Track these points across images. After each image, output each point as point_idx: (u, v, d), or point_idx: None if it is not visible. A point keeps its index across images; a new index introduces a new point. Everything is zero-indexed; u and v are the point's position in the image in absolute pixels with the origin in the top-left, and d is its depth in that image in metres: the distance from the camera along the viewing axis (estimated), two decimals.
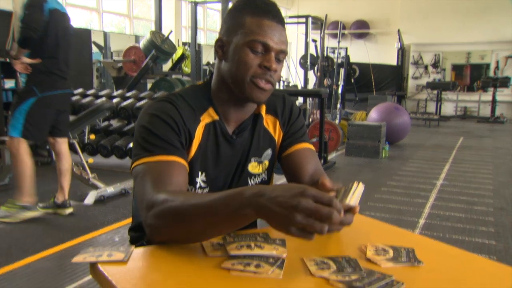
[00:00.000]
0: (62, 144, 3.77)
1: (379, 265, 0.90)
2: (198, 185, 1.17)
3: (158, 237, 0.97)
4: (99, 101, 5.36)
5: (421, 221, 3.82)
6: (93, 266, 0.88)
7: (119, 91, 6.02)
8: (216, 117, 1.20)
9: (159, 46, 6.62)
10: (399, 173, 5.86)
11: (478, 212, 4.14)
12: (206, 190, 1.19)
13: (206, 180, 1.18)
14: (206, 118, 1.19)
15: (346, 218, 0.95)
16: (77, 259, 0.89)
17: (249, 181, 1.25)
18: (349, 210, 0.94)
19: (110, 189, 4.37)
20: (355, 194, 0.93)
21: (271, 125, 1.29)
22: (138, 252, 0.94)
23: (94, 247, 0.95)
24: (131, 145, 5.35)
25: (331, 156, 7.02)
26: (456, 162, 6.64)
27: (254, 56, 1.12)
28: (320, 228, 0.79)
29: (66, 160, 3.74)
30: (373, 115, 8.10)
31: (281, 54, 1.14)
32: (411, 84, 14.45)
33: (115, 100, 5.59)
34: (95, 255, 0.90)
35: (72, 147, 4.36)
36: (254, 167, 1.25)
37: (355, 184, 0.95)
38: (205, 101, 1.19)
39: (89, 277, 2.68)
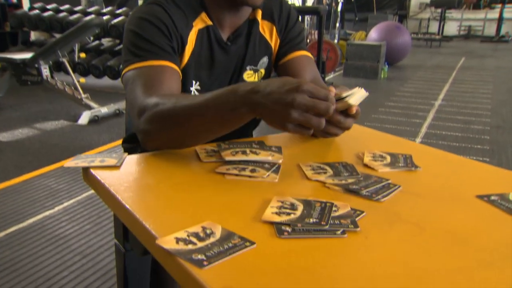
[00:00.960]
0: None
1: (376, 170, 0.90)
2: (192, 94, 1.14)
3: (152, 143, 0.95)
4: (87, 18, 5.17)
5: (418, 140, 3.85)
6: (85, 171, 0.88)
7: (109, 8, 5.78)
8: (210, 23, 1.14)
9: None
10: (398, 94, 5.83)
11: (475, 130, 4.17)
12: None
13: (201, 89, 1.15)
14: (199, 23, 1.13)
15: (346, 121, 0.94)
16: (69, 164, 0.88)
17: None
18: (349, 113, 0.92)
19: (104, 110, 4.35)
20: (356, 95, 0.91)
21: (268, 31, 1.23)
22: (131, 158, 0.93)
23: (86, 154, 0.94)
24: None
25: (329, 77, 6.94)
26: (455, 83, 6.60)
27: None
28: (317, 122, 0.78)
29: None
30: (373, 35, 7.90)
31: None
32: (413, 2, 13.96)
33: (105, 18, 5.38)
34: (87, 161, 0.89)
35: (62, 67, 4.27)
36: (249, 75, 1.22)
37: (357, 88, 0.93)
38: (197, 5, 1.13)
39: (86, 193, 2.74)
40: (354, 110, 0.92)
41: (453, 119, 4.56)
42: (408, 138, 3.88)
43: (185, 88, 1.12)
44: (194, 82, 1.14)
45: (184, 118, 0.88)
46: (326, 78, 6.53)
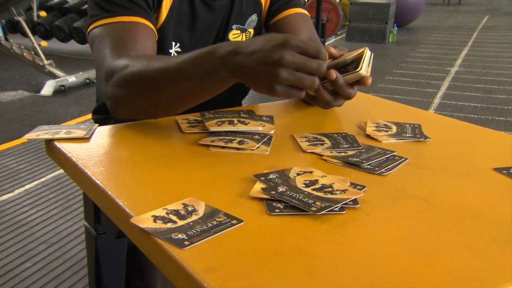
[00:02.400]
0: None
1: (380, 141, 0.91)
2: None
3: (121, 110, 0.95)
4: None
5: (432, 112, 3.88)
6: (49, 145, 0.88)
7: None
8: None
9: None
10: (408, 60, 5.83)
11: (497, 100, 4.20)
12: None
13: (181, 52, 1.14)
14: None
15: (352, 93, 0.92)
16: (30, 136, 0.88)
17: None
18: (363, 84, 0.91)
19: (71, 79, 4.32)
20: (365, 62, 0.90)
21: None
22: (102, 129, 0.94)
23: (50, 126, 0.94)
24: None
25: (329, 42, 6.91)
26: (476, 46, 6.60)
27: None
28: (310, 82, 0.77)
29: None
30: None
31: None
32: None
33: None
34: (51, 133, 0.89)
35: (19, 27, 4.19)
36: (236, 35, 1.21)
37: (363, 49, 0.92)
38: None
39: (52, 174, 2.74)
40: (369, 82, 0.91)
41: (472, 88, 4.59)
42: None
43: (163, 51, 1.11)
44: (173, 43, 1.13)
45: (156, 83, 0.87)
46: (326, 43, 6.51)
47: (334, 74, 0.86)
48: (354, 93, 0.92)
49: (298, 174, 0.74)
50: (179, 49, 1.14)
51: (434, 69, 5.33)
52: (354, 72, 0.88)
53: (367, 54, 0.91)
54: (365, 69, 0.88)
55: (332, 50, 0.94)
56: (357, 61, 0.90)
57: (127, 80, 0.90)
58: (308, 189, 0.68)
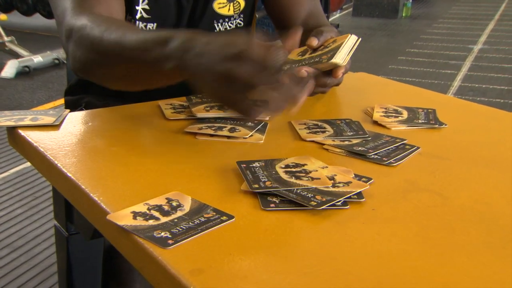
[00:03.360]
0: None
1: (389, 128, 0.92)
2: (138, 15, 1.13)
3: (82, 71, 0.97)
4: None
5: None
6: (12, 133, 0.89)
7: None
8: None
9: None
10: (423, 37, 5.85)
11: None
12: (152, 26, 1.14)
13: (150, 9, 1.13)
14: None
15: (332, 81, 0.97)
16: None
17: (216, 26, 1.21)
18: (334, 76, 0.95)
19: (37, 59, 4.31)
20: (343, 50, 0.92)
21: None
22: (74, 116, 0.95)
23: (13, 111, 0.95)
24: None
25: (334, 17, 6.91)
26: (504, 19, 6.60)
27: None
28: (251, 108, 0.73)
29: None
30: None
31: None
32: None
33: None
34: (14, 119, 0.90)
35: None
36: (221, 5, 1.21)
37: (347, 37, 0.95)
38: None
39: (16, 168, 2.74)
40: (340, 74, 0.94)
41: (498, 68, 4.60)
42: None
43: (130, 7, 1.11)
44: None
45: (108, 55, 0.88)
46: (331, 19, 6.51)
47: (304, 72, 0.90)
48: (331, 81, 0.95)
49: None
50: (146, 7, 1.13)
51: (454, 48, 5.35)
52: (328, 61, 0.91)
53: (350, 40, 0.93)
54: (340, 58, 0.91)
55: (313, 42, 0.97)
56: (335, 49, 0.93)
57: (84, 43, 0.91)
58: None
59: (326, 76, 0.96)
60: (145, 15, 1.13)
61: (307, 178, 0.70)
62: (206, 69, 0.73)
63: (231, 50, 0.72)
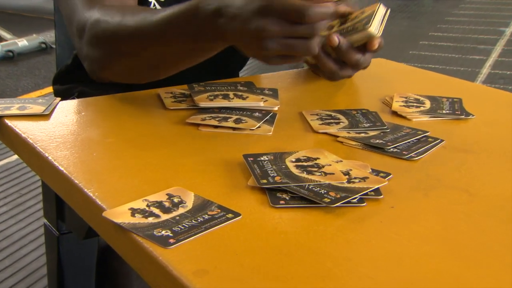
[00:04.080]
0: None
1: (410, 119, 0.93)
2: (151, 7, 1.15)
3: (100, 72, 0.99)
4: None
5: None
6: None
7: None
8: None
9: None
10: (449, 19, 5.82)
11: None
12: None
13: (165, 1, 1.15)
14: None
15: (365, 60, 0.96)
16: None
17: None
18: (369, 49, 0.94)
19: (22, 42, 4.32)
20: (376, 19, 0.92)
21: None
22: (66, 104, 0.95)
23: None
24: None
25: None
26: None
27: None
28: (304, 48, 0.79)
29: None
30: None
31: None
32: None
33: None
34: (0, 108, 0.91)
35: None
36: None
37: (377, 6, 0.94)
38: None
39: (0, 163, 2.75)
40: (376, 45, 0.93)
41: None
42: None
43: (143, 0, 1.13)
44: None
45: (131, 45, 0.91)
46: None
47: (336, 39, 0.89)
48: (364, 60, 0.94)
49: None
50: None
51: (484, 31, 5.33)
52: (361, 31, 0.90)
53: (380, 10, 0.93)
54: (375, 27, 0.90)
55: (341, 8, 0.96)
56: (367, 18, 0.92)
57: (100, 40, 0.93)
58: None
59: (358, 52, 0.95)
60: (158, 7, 1.15)
61: (319, 173, 0.71)
62: (241, 30, 0.79)
63: (253, 6, 0.78)
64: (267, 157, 0.75)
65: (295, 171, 0.72)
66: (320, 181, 0.69)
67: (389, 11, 0.95)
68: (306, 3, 0.77)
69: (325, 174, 0.71)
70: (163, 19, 0.87)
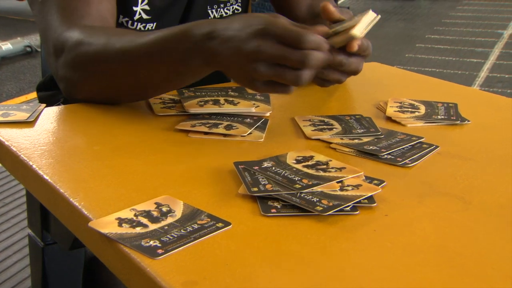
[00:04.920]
0: None
1: (404, 124, 0.94)
2: (137, 16, 1.15)
3: (77, 94, 0.98)
4: None
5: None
6: None
7: None
8: None
9: None
10: (446, 21, 5.85)
11: None
12: (152, 26, 1.17)
13: (151, 9, 1.16)
14: None
15: (350, 63, 0.96)
16: None
17: (210, 11, 1.23)
18: (348, 50, 0.94)
19: (7, 46, 4.31)
20: (361, 23, 0.92)
21: None
22: (51, 111, 0.96)
23: None
24: None
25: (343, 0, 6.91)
26: None
27: None
28: (294, 78, 0.80)
29: None
30: None
31: None
32: None
33: None
34: None
35: None
36: None
37: (367, 13, 0.95)
38: None
39: None
40: (355, 46, 0.93)
41: None
42: None
43: (127, 8, 1.13)
44: None
45: (117, 68, 0.91)
46: (340, 1, 6.51)
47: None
48: (348, 63, 0.94)
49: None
50: (146, 7, 1.15)
51: (482, 33, 5.35)
52: (344, 33, 0.90)
53: (369, 15, 0.93)
54: (358, 29, 0.90)
55: (329, 8, 0.97)
56: (354, 22, 0.92)
57: (82, 62, 0.93)
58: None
59: (341, 53, 0.92)
60: (144, 16, 1.15)
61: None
62: (235, 52, 0.80)
63: (253, 28, 0.80)
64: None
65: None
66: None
67: (378, 17, 0.95)
68: (305, 30, 0.80)
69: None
70: (151, 40, 0.88)
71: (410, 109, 0.99)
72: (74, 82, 0.96)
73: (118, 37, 0.93)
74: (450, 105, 1.01)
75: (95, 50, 0.92)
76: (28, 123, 0.90)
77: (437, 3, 6.71)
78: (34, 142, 0.84)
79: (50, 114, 0.94)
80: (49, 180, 0.73)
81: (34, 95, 3.65)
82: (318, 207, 0.66)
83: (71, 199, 0.68)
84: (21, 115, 0.92)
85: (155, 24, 1.17)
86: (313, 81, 1.06)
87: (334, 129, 0.90)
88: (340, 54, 0.92)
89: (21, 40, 4.44)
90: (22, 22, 5.19)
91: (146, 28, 1.17)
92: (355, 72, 0.98)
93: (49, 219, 1.10)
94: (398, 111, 0.98)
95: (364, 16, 0.92)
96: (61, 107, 0.98)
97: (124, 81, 0.94)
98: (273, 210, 0.66)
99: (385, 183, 0.74)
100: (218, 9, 1.24)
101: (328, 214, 0.65)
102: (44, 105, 0.97)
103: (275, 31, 0.79)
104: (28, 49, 4.44)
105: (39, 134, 0.87)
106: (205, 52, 0.84)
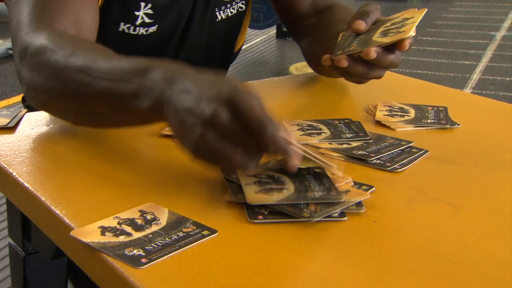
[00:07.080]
0: None
1: (393, 129, 0.94)
2: (139, 21, 1.14)
3: (37, 101, 0.93)
4: None
5: (467, 91, 3.92)
6: None
7: None
8: None
9: None
10: (438, 23, 5.87)
11: None
12: (154, 29, 1.16)
13: (154, 13, 1.15)
14: None
15: (394, 59, 0.96)
16: None
17: (218, 13, 1.23)
18: (399, 49, 0.95)
19: None
20: (416, 23, 0.94)
21: None
22: (32, 117, 0.95)
23: None
24: None
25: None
26: None
27: None
28: (240, 162, 0.68)
29: None
30: None
31: None
32: None
33: None
34: None
35: None
36: None
37: (416, 11, 0.97)
38: None
39: None
40: (407, 45, 0.93)
41: None
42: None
43: (128, 14, 1.12)
44: (142, 4, 1.13)
45: (71, 85, 0.84)
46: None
47: (374, 53, 0.90)
48: (397, 59, 0.95)
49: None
50: (150, 11, 1.14)
51: (474, 35, 5.38)
52: (395, 31, 0.93)
53: (420, 13, 0.95)
54: (413, 30, 0.92)
55: (360, 26, 0.99)
56: (403, 21, 0.95)
57: (42, 69, 0.88)
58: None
59: (391, 53, 0.95)
60: (147, 20, 1.13)
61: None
62: (189, 108, 0.69)
63: (221, 91, 0.69)
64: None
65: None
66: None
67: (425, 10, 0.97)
68: (276, 122, 0.68)
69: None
70: (111, 67, 0.81)
71: (399, 113, 1.00)
72: (35, 87, 0.90)
73: (83, 52, 0.86)
74: (440, 108, 1.02)
75: (56, 60, 0.86)
76: (9, 129, 0.90)
77: (428, 4, 6.73)
78: (15, 148, 0.83)
79: (31, 120, 0.94)
80: (30, 188, 0.73)
81: (16, 99, 3.64)
82: (305, 214, 0.66)
83: (52, 208, 0.68)
84: (1, 121, 0.91)
85: (156, 26, 1.16)
86: (350, 79, 1.06)
87: (323, 134, 0.91)
88: (390, 54, 0.94)
89: (3, 42, 4.42)
90: (3, 24, 5.17)
91: (148, 32, 1.16)
92: (394, 67, 1.00)
93: (30, 228, 1.10)
94: (388, 115, 0.99)
95: (416, 14, 0.96)
96: (42, 112, 0.98)
97: (76, 102, 0.87)
98: (260, 217, 0.67)
99: (374, 188, 0.74)
100: (225, 9, 1.24)
101: (316, 221, 0.65)
102: (25, 110, 0.96)
103: (242, 104, 0.67)
104: (10, 51, 4.42)
105: (19, 140, 0.87)
106: (157, 96, 0.74)
